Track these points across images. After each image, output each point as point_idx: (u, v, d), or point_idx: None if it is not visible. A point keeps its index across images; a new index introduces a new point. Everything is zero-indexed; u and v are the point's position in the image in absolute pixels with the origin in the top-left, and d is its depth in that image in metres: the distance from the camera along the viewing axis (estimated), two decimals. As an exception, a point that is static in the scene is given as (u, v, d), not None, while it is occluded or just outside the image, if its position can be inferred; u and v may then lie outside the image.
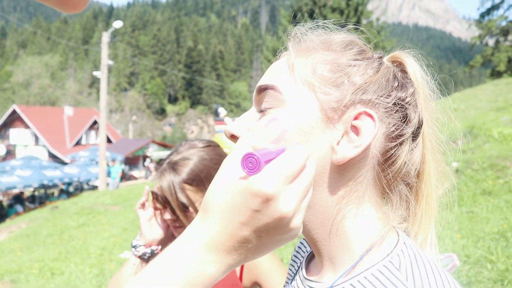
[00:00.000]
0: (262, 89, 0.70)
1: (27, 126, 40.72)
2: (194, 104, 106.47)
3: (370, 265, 0.66)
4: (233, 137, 0.72)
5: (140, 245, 1.48)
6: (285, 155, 0.59)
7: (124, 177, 32.52)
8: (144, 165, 35.71)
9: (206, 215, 0.60)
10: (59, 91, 60.50)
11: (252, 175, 0.57)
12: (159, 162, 37.68)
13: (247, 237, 0.57)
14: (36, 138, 40.54)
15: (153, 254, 1.47)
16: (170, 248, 0.61)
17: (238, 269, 1.52)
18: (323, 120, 0.66)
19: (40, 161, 25.86)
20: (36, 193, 23.69)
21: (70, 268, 6.99)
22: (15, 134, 41.58)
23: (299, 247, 0.94)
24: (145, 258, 1.47)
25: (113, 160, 22.96)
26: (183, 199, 1.42)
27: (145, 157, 37.60)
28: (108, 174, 22.14)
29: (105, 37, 22.82)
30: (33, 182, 21.19)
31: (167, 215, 1.47)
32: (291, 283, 0.84)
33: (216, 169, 1.49)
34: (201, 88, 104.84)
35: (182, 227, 1.48)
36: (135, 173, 35.17)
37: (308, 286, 0.74)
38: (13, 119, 41.61)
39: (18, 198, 20.83)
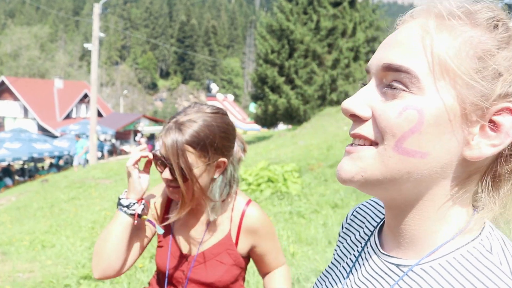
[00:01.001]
0: (393, 69, 0.61)
1: (16, 98, 40.15)
2: (186, 79, 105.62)
3: (458, 247, 0.63)
4: (353, 116, 0.66)
5: (134, 203, 1.44)
6: None
7: (115, 151, 32.34)
8: (135, 140, 35.48)
9: None
10: (48, 63, 59.57)
11: None
12: (150, 137, 37.58)
13: None
14: (26, 111, 40.02)
15: (144, 208, 1.47)
16: None
17: (234, 236, 1.55)
18: (462, 115, 0.59)
19: (30, 134, 25.59)
20: (26, 166, 23.49)
21: (61, 240, 6.92)
22: (4, 106, 41.02)
23: (360, 213, 0.88)
24: (140, 214, 1.45)
25: (78, 135, 20.60)
26: (183, 160, 1.38)
27: (136, 132, 37.34)
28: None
29: (97, 8, 22.37)
30: (22, 155, 20.98)
31: (166, 174, 1.43)
32: (360, 255, 0.77)
33: (222, 138, 1.45)
34: (193, 63, 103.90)
35: (178, 188, 1.44)
36: (126, 147, 34.97)
37: (387, 261, 0.70)
38: (2, 91, 40.97)
39: (7, 171, 20.63)
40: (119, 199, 1.46)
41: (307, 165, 8.74)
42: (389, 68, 0.62)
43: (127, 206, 1.44)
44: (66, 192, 11.90)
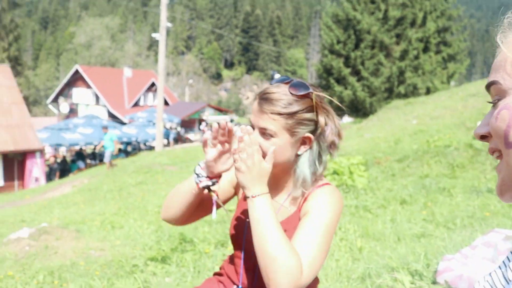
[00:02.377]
0: (487, 86, 0.77)
1: (88, 86, 42.03)
2: (250, 69, 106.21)
3: None
4: (483, 138, 0.79)
5: (203, 176, 1.49)
6: None
7: (180, 139, 33.13)
8: (199, 128, 36.17)
9: None
10: (118, 53, 61.89)
11: None
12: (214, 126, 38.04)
13: None
14: (97, 98, 41.82)
15: (213, 184, 1.50)
16: None
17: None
18: None
19: (101, 120, 26.73)
20: (96, 151, 24.57)
21: (129, 223, 7.16)
22: (78, 93, 43.06)
23: None
24: (203, 187, 1.49)
25: (105, 127, 17.49)
26: (269, 125, 1.43)
27: (200, 121, 38.05)
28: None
29: (165, -1, 22.87)
30: (94, 140, 21.98)
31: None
32: None
33: (309, 113, 1.46)
34: (257, 54, 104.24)
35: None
36: (190, 135, 35.74)
37: None
38: (76, 79, 43.02)
39: (80, 155, 21.67)
40: (198, 164, 1.53)
41: (374, 158, 8.51)
42: (487, 87, 0.77)
43: (197, 175, 1.51)
44: (133, 177, 12.32)
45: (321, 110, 1.50)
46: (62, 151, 24.07)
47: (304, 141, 1.47)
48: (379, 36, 23.59)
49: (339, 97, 23.96)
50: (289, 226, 1.48)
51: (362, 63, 24.02)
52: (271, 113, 1.43)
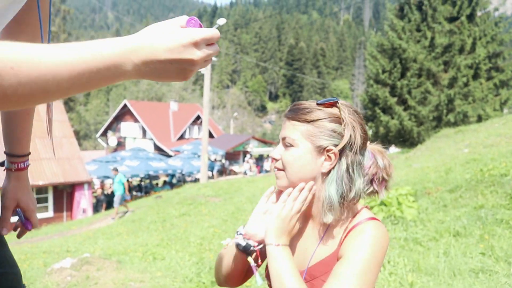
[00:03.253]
0: None
1: (136, 120, 43.19)
2: (294, 101, 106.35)
3: None
4: None
5: (240, 234, 1.43)
6: (210, 30, 0.85)
7: (225, 171, 33.26)
8: (244, 161, 36.25)
9: (142, 33, 0.81)
10: (165, 87, 63.61)
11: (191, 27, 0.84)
12: (259, 158, 38.13)
13: (166, 59, 0.79)
14: (144, 131, 42.85)
15: (246, 248, 1.38)
16: None
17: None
18: None
19: (147, 153, 27.24)
20: (142, 183, 24.95)
21: (171, 254, 7.08)
22: (126, 127, 44.30)
23: None
24: (239, 248, 1.40)
25: (115, 169, 15.94)
26: (290, 132, 1.35)
27: (245, 153, 38.17)
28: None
29: (210, 33, 23.38)
30: (140, 172, 22.36)
31: (273, 152, 1.39)
32: None
33: (336, 125, 1.34)
34: (301, 86, 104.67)
35: (282, 171, 1.37)
36: (235, 168, 35.83)
37: None
38: (124, 113, 44.35)
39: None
40: (238, 231, 1.47)
41: (424, 188, 8.11)
42: None
43: (236, 233, 1.46)
44: (177, 208, 12.32)
45: (350, 124, 1.32)
46: (109, 183, 24.60)
47: (328, 157, 1.31)
48: (426, 64, 23.08)
49: (386, 127, 23.45)
50: (326, 268, 1.30)
51: (409, 92, 23.50)
52: (292, 119, 1.34)
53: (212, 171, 28.68)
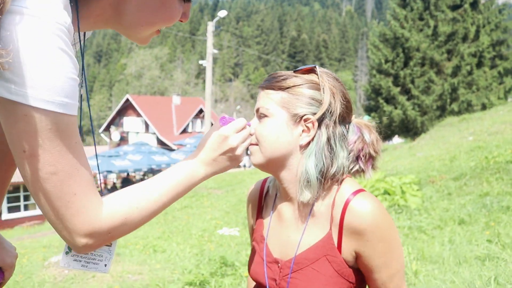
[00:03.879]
0: None
1: (138, 115, 43.11)
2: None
3: None
4: None
5: None
6: (236, 121, 1.12)
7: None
8: (247, 153, 36.12)
9: (198, 147, 1.11)
10: (167, 81, 63.63)
11: (222, 125, 1.11)
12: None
13: (216, 157, 1.09)
14: (147, 126, 42.78)
15: None
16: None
17: (336, 236, 1.15)
18: None
19: (150, 147, 27.16)
20: (145, 177, 24.89)
21: (172, 246, 7.01)
22: (128, 122, 44.24)
23: None
24: None
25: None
26: (264, 101, 1.26)
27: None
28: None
29: (210, 26, 23.25)
30: (142, 166, 22.29)
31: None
32: None
33: (314, 92, 1.23)
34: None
35: (256, 145, 1.28)
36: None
37: None
38: (127, 108, 44.27)
39: (127, 181, 22.01)
40: None
41: (428, 177, 7.99)
42: None
43: None
44: (179, 201, 12.22)
45: (329, 90, 1.18)
46: (112, 177, 24.52)
47: (307, 127, 1.17)
48: (429, 53, 22.85)
49: (389, 117, 23.27)
50: (318, 254, 1.17)
51: (412, 82, 23.29)
52: (266, 88, 1.20)
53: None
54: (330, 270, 1.15)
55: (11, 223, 18.51)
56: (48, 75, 0.74)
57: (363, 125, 1.27)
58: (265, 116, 1.18)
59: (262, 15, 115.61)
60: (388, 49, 24.31)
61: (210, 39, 23.08)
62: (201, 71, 76.49)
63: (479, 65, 23.28)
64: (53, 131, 0.77)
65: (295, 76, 1.20)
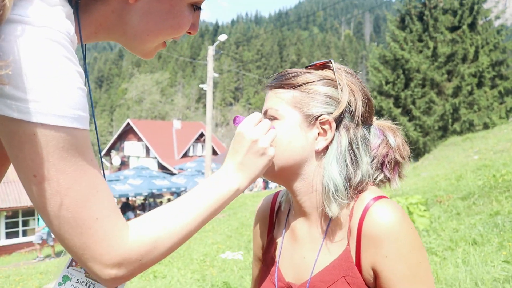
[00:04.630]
0: None
1: (139, 139, 43.11)
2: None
3: None
4: None
5: None
6: (250, 116, 0.99)
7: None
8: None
9: (225, 159, 1.00)
10: (168, 106, 63.93)
11: (237, 125, 1.01)
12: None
13: (242, 159, 0.95)
14: (147, 150, 42.72)
15: None
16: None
17: (354, 251, 0.99)
18: None
19: (150, 171, 27.02)
20: (146, 202, 24.67)
21: (173, 272, 6.80)
22: (129, 146, 44.21)
23: None
24: None
25: None
26: (272, 103, 1.13)
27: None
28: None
29: (211, 50, 23.37)
30: (143, 190, 22.09)
31: None
32: None
33: (332, 90, 1.09)
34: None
35: None
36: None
37: None
38: (127, 132, 44.31)
39: (128, 206, 21.79)
40: None
41: (435, 197, 7.81)
42: None
43: None
44: (180, 225, 12.05)
45: (347, 87, 1.03)
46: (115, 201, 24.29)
47: (323, 130, 1.01)
48: (429, 74, 22.90)
49: (391, 138, 23.18)
50: (335, 275, 1.00)
51: (413, 103, 23.28)
52: (275, 87, 1.06)
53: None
54: None
55: (9, 249, 18.20)
56: (56, 85, 0.66)
57: (386, 128, 1.13)
58: (275, 118, 1.03)
59: (262, 40, 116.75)
60: (388, 71, 24.37)
61: (210, 63, 23.15)
62: (201, 96, 76.88)
63: (480, 85, 23.31)
64: (66, 149, 0.68)
65: (308, 72, 1.05)
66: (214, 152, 39.32)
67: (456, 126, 22.32)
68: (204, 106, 59.92)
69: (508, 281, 3.50)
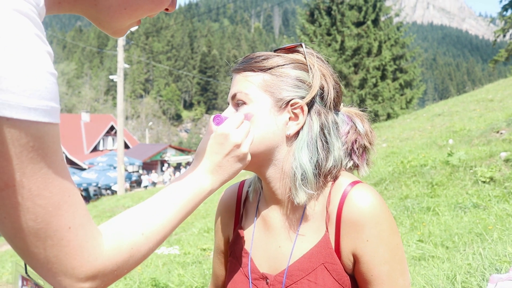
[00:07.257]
0: None
1: (44, 133, 40.83)
2: (209, 109, 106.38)
3: None
4: None
5: None
6: (232, 116, 0.96)
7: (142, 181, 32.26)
8: (162, 170, 35.39)
9: (197, 157, 0.96)
10: (75, 98, 60.99)
11: (218, 125, 0.98)
12: (176, 167, 37.44)
13: (220, 161, 0.92)
14: (54, 145, 40.61)
15: None
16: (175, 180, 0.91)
17: (333, 237, 0.99)
18: None
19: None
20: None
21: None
22: (33, 141, 41.73)
23: None
24: None
25: None
26: (242, 86, 1.09)
27: (163, 162, 37.30)
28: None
29: (121, 40, 22.57)
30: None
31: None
32: None
33: (301, 73, 1.07)
34: (216, 93, 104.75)
35: None
36: (153, 177, 34.93)
37: None
38: (31, 127, 41.77)
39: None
40: None
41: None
42: None
43: None
44: (96, 222, 11.42)
45: (319, 71, 1.02)
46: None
47: (294, 114, 1.01)
48: (338, 67, 23.89)
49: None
50: (313, 262, 1.00)
51: (322, 94, 24.24)
52: (244, 71, 1.03)
53: (130, 182, 27.67)
54: (329, 280, 0.98)
55: None
56: (26, 71, 0.52)
57: (354, 114, 1.14)
58: (244, 103, 1.01)
59: (172, 31, 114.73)
60: (298, 63, 25.10)
61: (121, 53, 22.40)
62: (110, 87, 74.18)
63: (383, 77, 24.77)
64: (36, 149, 0.55)
65: (277, 55, 1.04)
66: (126, 146, 38.21)
67: (363, 117, 23.59)
68: (114, 98, 57.87)
69: (424, 258, 3.80)
